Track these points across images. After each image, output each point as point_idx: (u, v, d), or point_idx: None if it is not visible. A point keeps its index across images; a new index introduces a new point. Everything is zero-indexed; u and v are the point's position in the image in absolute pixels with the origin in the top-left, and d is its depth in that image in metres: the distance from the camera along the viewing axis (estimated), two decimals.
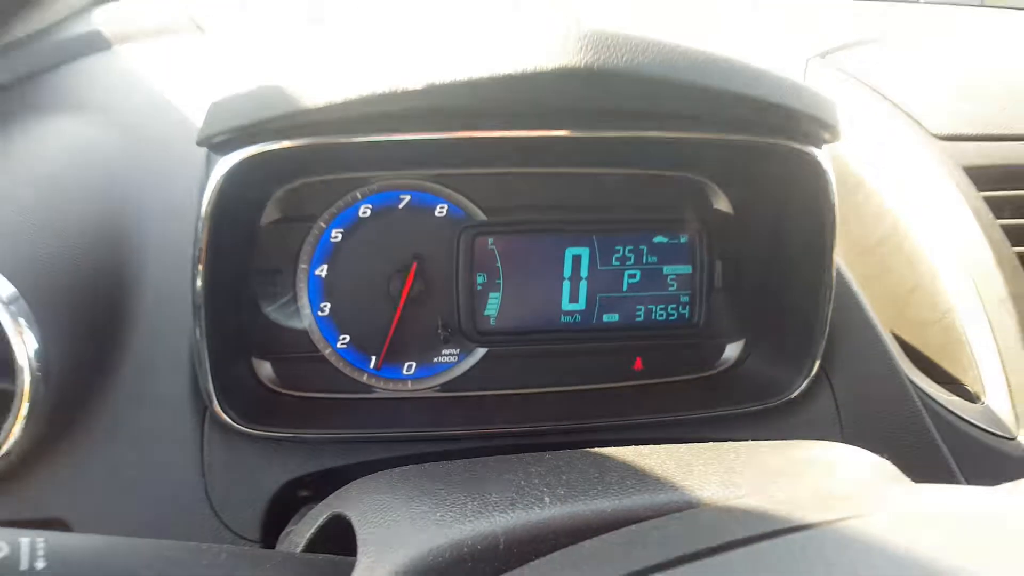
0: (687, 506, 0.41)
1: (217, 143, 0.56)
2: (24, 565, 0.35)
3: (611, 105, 0.55)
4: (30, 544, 0.36)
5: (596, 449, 0.51)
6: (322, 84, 0.52)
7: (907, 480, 0.48)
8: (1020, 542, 0.31)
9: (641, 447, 0.51)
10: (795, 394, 0.66)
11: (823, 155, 0.62)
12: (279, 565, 0.40)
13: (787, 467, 0.50)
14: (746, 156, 0.67)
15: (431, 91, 0.50)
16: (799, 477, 0.49)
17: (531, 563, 0.34)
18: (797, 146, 0.61)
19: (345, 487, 0.49)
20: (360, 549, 0.39)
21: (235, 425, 0.60)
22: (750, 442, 0.54)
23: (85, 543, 0.37)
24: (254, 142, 0.56)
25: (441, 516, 0.41)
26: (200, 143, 0.57)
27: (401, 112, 0.53)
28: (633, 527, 0.35)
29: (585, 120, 0.58)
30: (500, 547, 0.37)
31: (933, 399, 0.66)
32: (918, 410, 0.66)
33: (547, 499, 0.42)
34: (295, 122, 0.54)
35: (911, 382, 0.67)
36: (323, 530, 0.46)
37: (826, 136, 0.61)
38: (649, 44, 0.51)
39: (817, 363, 0.65)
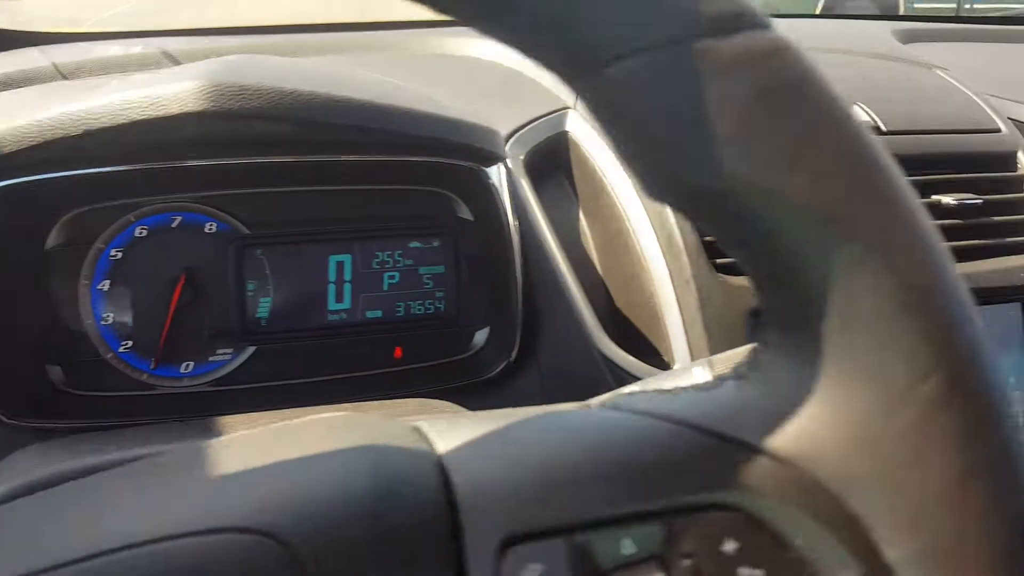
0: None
1: None
2: None
3: (255, 138, 0.68)
4: None
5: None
6: (23, 128, 0.63)
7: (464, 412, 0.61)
8: None
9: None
10: (497, 371, 0.78)
11: (493, 172, 0.75)
12: None
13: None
14: (465, 174, 0.79)
15: (89, 135, 0.61)
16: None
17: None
18: (469, 165, 0.74)
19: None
20: None
21: (12, 422, 0.70)
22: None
23: None
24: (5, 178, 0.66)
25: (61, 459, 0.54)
26: None
27: (89, 148, 0.64)
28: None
29: (277, 149, 0.70)
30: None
31: (620, 367, 0.79)
32: (605, 377, 0.78)
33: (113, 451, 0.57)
34: (15, 163, 0.65)
35: (602, 355, 0.79)
36: None
37: (490, 158, 0.74)
38: (265, 91, 0.63)
39: (517, 343, 0.78)
